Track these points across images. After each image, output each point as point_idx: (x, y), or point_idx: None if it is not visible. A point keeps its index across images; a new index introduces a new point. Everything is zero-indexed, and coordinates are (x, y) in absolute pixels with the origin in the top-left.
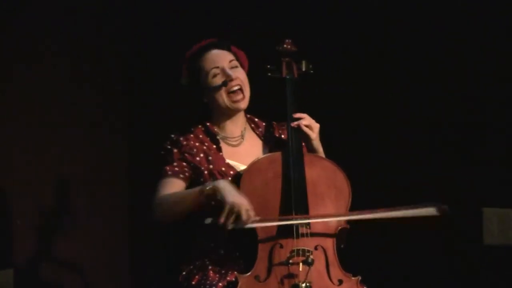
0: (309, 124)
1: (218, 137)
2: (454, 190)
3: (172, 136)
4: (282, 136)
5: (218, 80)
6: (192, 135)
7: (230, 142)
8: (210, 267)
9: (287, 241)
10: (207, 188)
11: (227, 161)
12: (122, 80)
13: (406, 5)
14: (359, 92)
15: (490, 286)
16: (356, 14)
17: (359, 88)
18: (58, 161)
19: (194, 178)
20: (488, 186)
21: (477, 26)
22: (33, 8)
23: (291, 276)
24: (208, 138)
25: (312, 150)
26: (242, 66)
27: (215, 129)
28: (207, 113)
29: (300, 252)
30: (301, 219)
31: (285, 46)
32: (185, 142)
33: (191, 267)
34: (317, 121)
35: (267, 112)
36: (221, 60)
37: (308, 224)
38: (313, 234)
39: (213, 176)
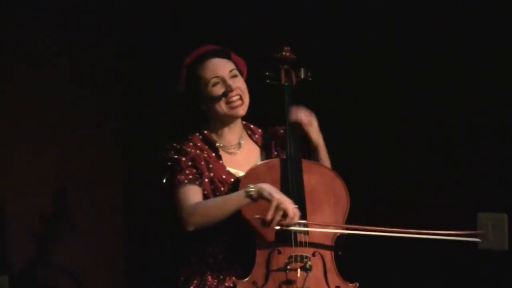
0: (308, 122)
1: (216, 145)
2: (449, 195)
3: (174, 144)
4: (278, 142)
5: (218, 90)
6: (190, 143)
7: (228, 150)
8: (208, 272)
9: (285, 247)
10: (251, 189)
11: (227, 168)
12: (122, 80)
13: (406, 5)
14: (359, 92)
15: None
16: (356, 14)
17: (359, 88)
18: (58, 162)
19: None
20: (483, 191)
21: (477, 26)
22: (33, 8)
23: (289, 282)
24: (207, 146)
25: (313, 142)
26: (241, 73)
27: (213, 137)
28: (203, 119)
29: (298, 258)
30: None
31: (283, 53)
32: (188, 149)
33: (189, 272)
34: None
35: (264, 118)
36: (222, 69)
37: (307, 231)
38: (311, 240)
39: (213, 184)
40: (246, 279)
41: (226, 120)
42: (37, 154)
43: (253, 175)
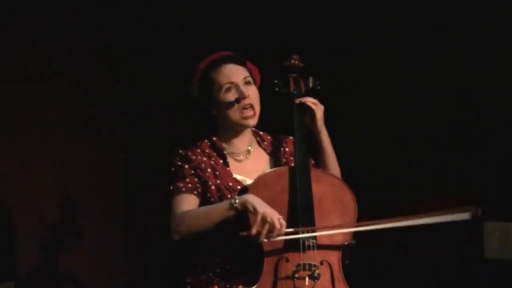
0: (315, 103)
1: (225, 152)
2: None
3: (181, 151)
4: (287, 149)
5: (231, 96)
6: (198, 150)
7: (236, 157)
8: (215, 281)
9: (293, 255)
10: (236, 201)
11: (234, 175)
12: (122, 80)
13: (406, 5)
14: (359, 92)
15: None
16: (356, 14)
17: (359, 88)
18: (58, 162)
19: (202, 194)
20: (490, 200)
21: (477, 26)
22: (33, 8)
23: None
24: (215, 153)
25: (316, 132)
26: (254, 82)
27: (222, 144)
28: (213, 124)
29: (306, 266)
30: (309, 232)
31: (292, 61)
32: (194, 157)
33: (196, 281)
34: None
35: (273, 126)
36: (236, 75)
37: (315, 238)
38: (319, 248)
39: (220, 191)
40: (254, 287)
41: (237, 128)
42: (37, 154)
43: (261, 183)
